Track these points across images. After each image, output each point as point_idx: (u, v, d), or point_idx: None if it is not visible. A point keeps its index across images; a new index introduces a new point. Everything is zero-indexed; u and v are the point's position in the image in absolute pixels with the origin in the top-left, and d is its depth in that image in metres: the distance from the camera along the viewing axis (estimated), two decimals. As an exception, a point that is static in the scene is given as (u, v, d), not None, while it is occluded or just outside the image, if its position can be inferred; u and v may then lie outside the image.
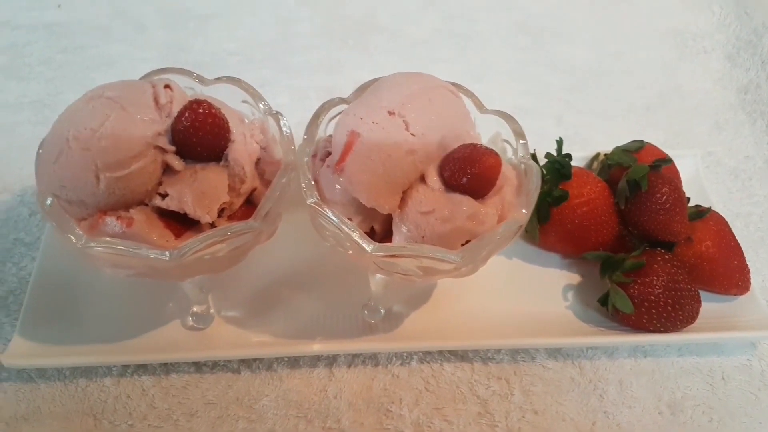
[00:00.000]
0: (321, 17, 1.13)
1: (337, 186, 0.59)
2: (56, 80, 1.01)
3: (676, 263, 0.69)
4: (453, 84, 0.65)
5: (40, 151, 0.59)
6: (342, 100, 0.65)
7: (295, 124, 0.65)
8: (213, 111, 0.58)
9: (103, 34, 1.08)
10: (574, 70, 1.07)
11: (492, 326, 0.71)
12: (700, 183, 0.83)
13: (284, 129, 0.63)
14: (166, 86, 0.61)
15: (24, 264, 0.77)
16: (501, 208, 0.59)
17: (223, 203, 0.59)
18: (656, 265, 0.68)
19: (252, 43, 1.08)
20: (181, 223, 0.59)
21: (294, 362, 0.70)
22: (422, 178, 0.59)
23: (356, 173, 0.57)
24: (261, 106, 0.66)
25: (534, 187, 0.60)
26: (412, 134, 0.58)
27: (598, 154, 0.84)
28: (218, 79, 0.67)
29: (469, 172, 0.57)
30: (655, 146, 0.79)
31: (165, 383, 0.68)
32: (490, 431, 0.66)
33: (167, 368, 0.69)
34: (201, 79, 0.67)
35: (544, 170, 0.73)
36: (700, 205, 0.76)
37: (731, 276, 0.73)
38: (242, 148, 0.61)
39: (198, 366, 0.69)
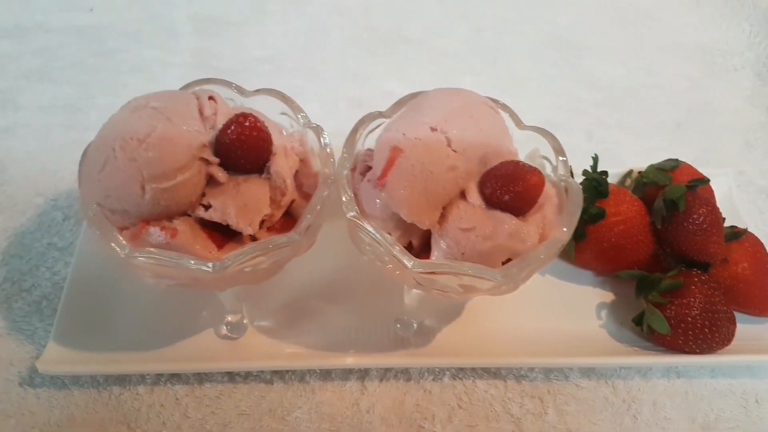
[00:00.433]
0: (351, 27, 1.13)
1: (378, 200, 0.59)
2: (88, 84, 1.02)
3: (713, 285, 0.69)
4: (491, 99, 0.64)
5: (85, 159, 0.59)
6: (380, 114, 0.65)
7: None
8: (258, 125, 0.58)
9: (135, 39, 1.09)
10: (604, 84, 1.07)
11: (525, 343, 0.71)
12: (732, 203, 0.82)
13: (324, 142, 0.63)
14: (210, 98, 0.61)
15: (57, 269, 0.77)
16: (542, 226, 0.59)
17: (264, 215, 0.59)
18: (694, 287, 0.68)
19: (282, 52, 1.09)
20: (222, 234, 0.59)
21: (326, 374, 0.70)
22: (462, 194, 0.59)
23: (398, 188, 0.57)
24: (300, 118, 0.66)
25: (575, 205, 0.60)
26: (454, 150, 0.58)
27: (631, 171, 0.83)
28: (258, 91, 0.67)
29: (512, 189, 0.56)
30: (690, 165, 0.79)
31: (198, 392, 0.68)
32: (524, 450, 0.66)
33: (200, 377, 0.69)
34: (241, 90, 0.67)
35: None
36: (736, 226, 0.75)
37: (767, 298, 0.72)
38: (283, 161, 0.61)
39: (231, 376, 0.69)
